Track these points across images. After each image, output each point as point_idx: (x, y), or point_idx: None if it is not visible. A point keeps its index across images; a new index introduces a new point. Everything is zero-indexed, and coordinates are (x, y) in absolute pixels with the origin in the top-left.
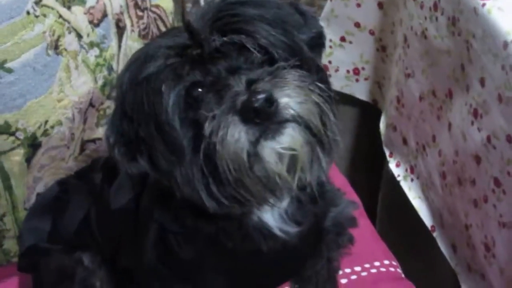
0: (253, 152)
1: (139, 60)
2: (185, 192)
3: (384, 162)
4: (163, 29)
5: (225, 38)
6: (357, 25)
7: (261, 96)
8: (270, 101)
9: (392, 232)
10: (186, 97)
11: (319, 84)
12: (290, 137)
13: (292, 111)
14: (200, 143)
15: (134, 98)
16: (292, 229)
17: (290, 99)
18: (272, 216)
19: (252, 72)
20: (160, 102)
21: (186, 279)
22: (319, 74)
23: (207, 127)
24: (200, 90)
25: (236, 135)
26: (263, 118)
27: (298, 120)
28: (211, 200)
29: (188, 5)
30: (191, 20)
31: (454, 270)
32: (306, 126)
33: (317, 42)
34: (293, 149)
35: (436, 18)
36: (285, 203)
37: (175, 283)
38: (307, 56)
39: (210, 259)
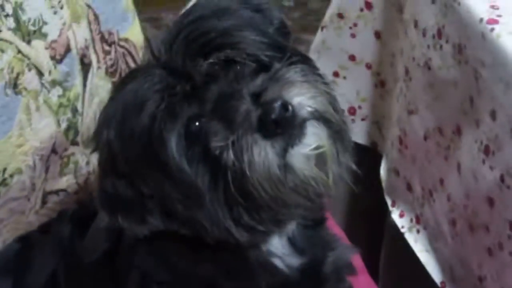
0: (284, 164)
1: (122, 115)
2: (215, 233)
3: (386, 213)
4: (132, 65)
5: (211, 60)
6: (352, 58)
7: (275, 104)
8: (285, 106)
9: None
10: (186, 134)
11: (318, 72)
12: (315, 135)
13: (308, 109)
14: (218, 177)
15: (129, 156)
16: (296, 260)
17: (302, 96)
18: (279, 242)
19: (250, 85)
20: (164, 150)
21: None
22: (309, 61)
23: (228, 156)
24: (197, 123)
25: (262, 153)
26: (284, 126)
27: (316, 115)
28: (243, 231)
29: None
30: (159, 51)
31: None
32: (324, 119)
33: (284, 31)
34: (320, 146)
35: (441, 46)
36: (291, 226)
37: None
38: (291, 49)
39: None
